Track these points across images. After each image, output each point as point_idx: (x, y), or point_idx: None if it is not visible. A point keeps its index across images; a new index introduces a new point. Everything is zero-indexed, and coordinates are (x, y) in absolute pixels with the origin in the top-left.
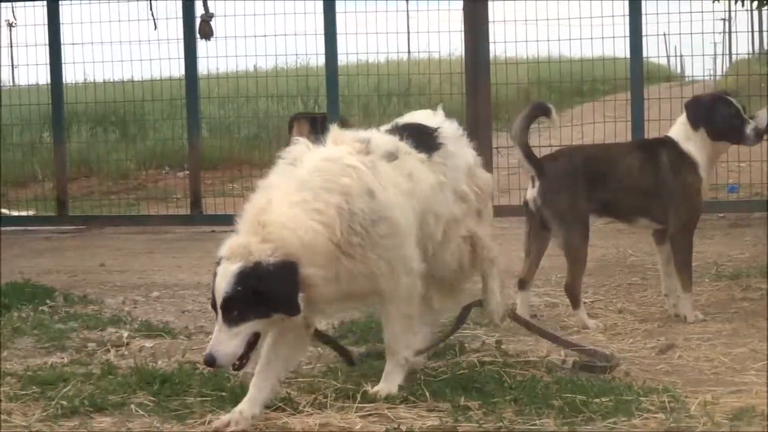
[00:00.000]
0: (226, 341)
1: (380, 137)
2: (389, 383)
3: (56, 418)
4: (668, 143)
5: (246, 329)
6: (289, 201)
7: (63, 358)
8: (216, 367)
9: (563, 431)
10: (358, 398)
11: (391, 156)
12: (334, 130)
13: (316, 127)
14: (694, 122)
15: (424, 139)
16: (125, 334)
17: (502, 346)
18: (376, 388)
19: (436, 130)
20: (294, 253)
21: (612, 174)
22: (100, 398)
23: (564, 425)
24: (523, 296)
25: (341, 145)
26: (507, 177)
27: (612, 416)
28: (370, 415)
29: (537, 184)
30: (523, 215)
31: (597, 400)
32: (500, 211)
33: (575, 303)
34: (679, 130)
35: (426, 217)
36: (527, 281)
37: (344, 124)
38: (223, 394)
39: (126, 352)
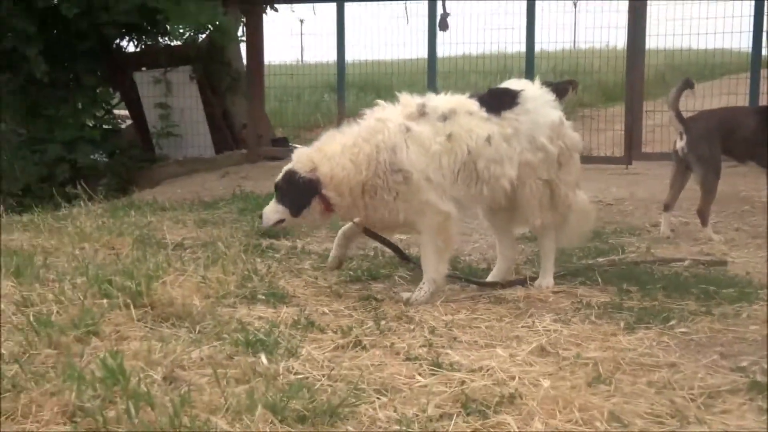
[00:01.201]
0: (269, 210)
1: (437, 101)
2: (417, 293)
3: (346, 283)
4: None
5: (282, 209)
6: (341, 142)
7: None
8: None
9: (701, 310)
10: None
11: (443, 117)
12: (402, 95)
13: (560, 93)
14: None
15: (500, 100)
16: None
17: (651, 250)
18: (406, 295)
19: (517, 93)
20: (322, 177)
21: (736, 130)
22: (375, 271)
23: (702, 306)
24: (666, 216)
25: (402, 107)
26: (653, 131)
27: (737, 302)
28: (559, 292)
29: (684, 137)
30: (667, 159)
31: (724, 290)
32: (650, 157)
33: (704, 222)
34: None
35: (477, 164)
36: (670, 205)
37: (560, 89)
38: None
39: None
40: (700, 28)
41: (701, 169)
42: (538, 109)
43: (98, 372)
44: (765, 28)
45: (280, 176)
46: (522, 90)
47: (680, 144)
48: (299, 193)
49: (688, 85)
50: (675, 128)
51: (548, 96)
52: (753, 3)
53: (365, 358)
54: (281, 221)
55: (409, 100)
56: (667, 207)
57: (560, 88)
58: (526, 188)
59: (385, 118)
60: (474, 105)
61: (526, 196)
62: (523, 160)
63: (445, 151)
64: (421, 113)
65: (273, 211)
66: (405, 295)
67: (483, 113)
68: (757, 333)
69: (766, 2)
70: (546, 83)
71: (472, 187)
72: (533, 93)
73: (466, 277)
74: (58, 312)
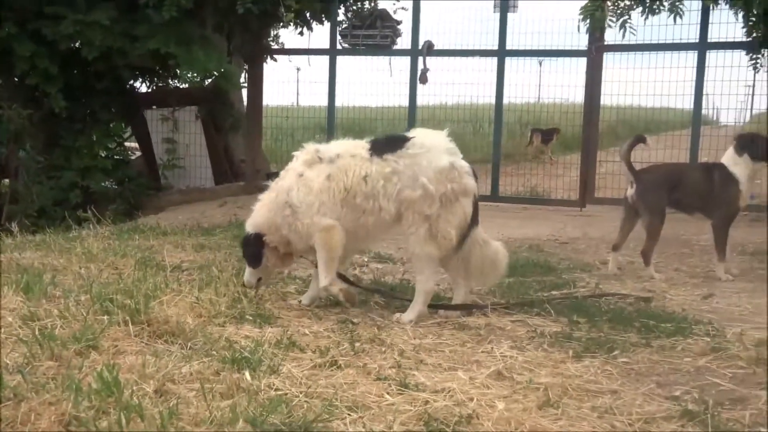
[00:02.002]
0: (247, 275)
1: (330, 146)
2: (309, 292)
3: (326, 306)
4: (719, 166)
5: (252, 270)
6: (268, 194)
7: None
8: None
9: (642, 342)
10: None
11: (330, 160)
12: (306, 144)
13: (547, 137)
14: (740, 150)
15: (388, 145)
16: (366, 259)
17: (600, 286)
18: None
19: (406, 140)
20: (261, 228)
21: (680, 183)
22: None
23: (642, 338)
24: (614, 255)
25: (304, 153)
26: (605, 178)
27: (673, 336)
28: (516, 321)
29: (634, 186)
30: (616, 204)
31: (662, 324)
32: (602, 201)
33: (647, 262)
34: (728, 157)
35: (355, 196)
36: (618, 246)
37: (547, 135)
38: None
39: (366, 270)
40: (648, 90)
41: (647, 215)
42: (423, 155)
43: (95, 384)
44: (704, 92)
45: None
46: (412, 137)
47: (630, 192)
48: (251, 249)
49: (639, 140)
50: (627, 178)
51: (443, 145)
52: (695, 70)
53: (340, 377)
54: (259, 279)
55: (309, 148)
56: (615, 247)
57: (547, 134)
58: (406, 220)
59: (289, 168)
60: (361, 149)
61: (406, 226)
62: (403, 196)
63: (324, 189)
64: (316, 159)
65: (249, 275)
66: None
67: (366, 155)
68: (690, 365)
69: (705, 71)
70: (535, 130)
71: (360, 217)
72: (423, 141)
73: (435, 303)
74: (61, 326)
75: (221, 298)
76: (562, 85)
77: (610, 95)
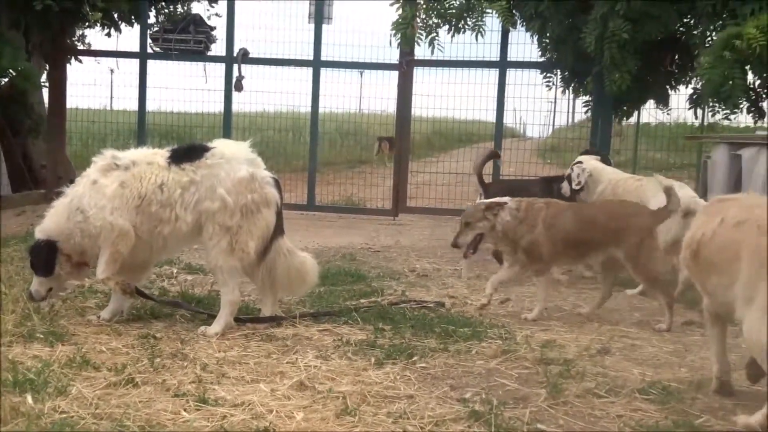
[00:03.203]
0: (35, 285)
1: (127, 153)
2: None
3: (128, 321)
4: (560, 179)
5: (42, 279)
6: (63, 200)
7: None
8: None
9: (440, 347)
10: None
11: (125, 168)
12: (105, 150)
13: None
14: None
15: (188, 154)
16: (175, 270)
17: (406, 293)
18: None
19: (205, 150)
20: (54, 235)
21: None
22: (157, 309)
23: (441, 343)
24: (464, 263)
25: (101, 160)
26: (418, 188)
27: (470, 340)
28: (324, 330)
29: (482, 197)
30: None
31: (461, 329)
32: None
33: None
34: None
35: (151, 204)
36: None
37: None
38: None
39: (174, 282)
40: (457, 104)
41: None
42: (222, 165)
43: None
44: (512, 108)
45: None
46: (212, 148)
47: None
48: (42, 257)
49: (493, 155)
50: (477, 189)
51: (243, 155)
52: (497, 87)
53: (135, 395)
54: (50, 290)
55: (106, 154)
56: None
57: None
58: (206, 231)
59: (84, 174)
60: (159, 157)
61: (206, 238)
62: (203, 207)
63: (117, 195)
64: (112, 165)
65: (38, 285)
66: None
67: (164, 163)
68: (482, 367)
69: (506, 87)
70: (382, 138)
71: (156, 226)
72: (222, 151)
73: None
74: None
75: (8, 316)
76: (380, 97)
77: (426, 108)
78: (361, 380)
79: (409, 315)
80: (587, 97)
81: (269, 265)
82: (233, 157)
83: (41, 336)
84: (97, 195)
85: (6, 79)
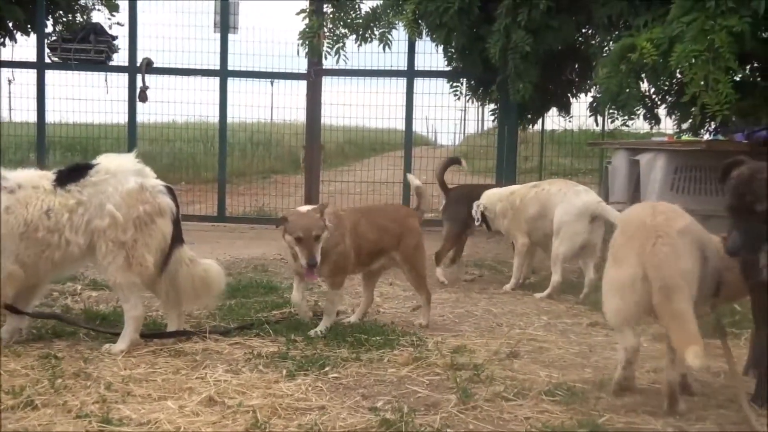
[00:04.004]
0: None
1: (14, 175)
2: None
3: (27, 342)
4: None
5: None
6: None
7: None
8: None
9: (352, 356)
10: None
11: (11, 191)
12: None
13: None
14: None
15: (72, 174)
16: (79, 287)
17: (319, 303)
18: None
19: (88, 168)
20: None
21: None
22: (59, 328)
23: (353, 353)
24: (438, 270)
25: None
26: (332, 196)
27: (382, 348)
28: (235, 343)
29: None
30: None
31: (373, 338)
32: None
33: (438, 263)
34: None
35: (37, 230)
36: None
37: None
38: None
39: (78, 299)
40: (367, 113)
41: (446, 224)
42: (108, 180)
43: None
44: (424, 116)
45: None
46: (95, 164)
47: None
48: None
49: (454, 161)
50: (441, 194)
51: (129, 167)
52: (405, 96)
53: (34, 418)
54: None
55: None
56: (452, 260)
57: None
58: (100, 250)
59: None
60: (44, 179)
61: (100, 257)
62: (93, 226)
63: (2, 222)
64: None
65: None
66: None
67: (49, 187)
68: (394, 375)
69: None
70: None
71: (44, 251)
72: (107, 166)
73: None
74: None
75: None
76: (291, 107)
77: (337, 117)
78: (272, 393)
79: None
80: (494, 105)
81: (171, 276)
82: (119, 170)
83: None
84: None
85: None
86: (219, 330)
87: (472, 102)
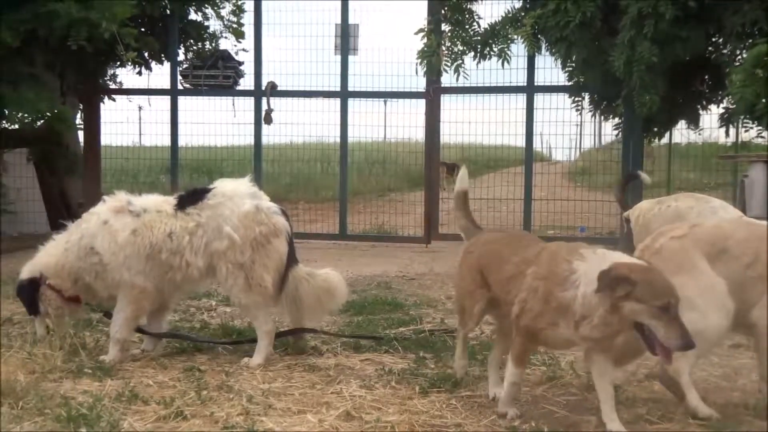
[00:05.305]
0: (36, 326)
1: (141, 199)
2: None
3: (172, 355)
4: None
5: (36, 319)
6: (64, 235)
7: (175, 317)
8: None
9: (484, 375)
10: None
11: (136, 214)
12: (116, 192)
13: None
14: None
15: (190, 198)
16: (214, 303)
17: (446, 321)
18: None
19: (206, 192)
20: (44, 270)
21: None
22: (199, 343)
23: (484, 371)
24: None
25: (113, 201)
26: (449, 214)
27: None
28: (366, 359)
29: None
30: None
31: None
32: (446, 237)
33: None
34: None
35: (161, 255)
36: None
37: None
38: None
39: (214, 314)
40: (485, 130)
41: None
42: (225, 203)
43: None
44: (538, 132)
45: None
46: (212, 188)
47: None
48: (27, 294)
49: (633, 177)
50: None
51: (244, 190)
52: (525, 111)
53: (185, 428)
54: (48, 329)
55: (120, 197)
56: None
57: (450, 166)
58: (221, 272)
59: (94, 211)
60: (167, 204)
61: (222, 279)
62: (212, 248)
63: (129, 243)
64: (124, 209)
65: (36, 324)
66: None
67: (171, 211)
68: (528, 394)
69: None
70: (442, 163)
71: (167, 273)
72: (222, 190)
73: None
74: None
75: (57, 352)
76: (406, 126)
77: (455, 135)
78: (407, 409)
79: (450, 343)
80: (617, 120)
81: (293, 294)
82: (235, 194)
83: (89, 371)
84: (109, 238)
85: (42, 121)
86: (353, 335)
87: (594, 116)
